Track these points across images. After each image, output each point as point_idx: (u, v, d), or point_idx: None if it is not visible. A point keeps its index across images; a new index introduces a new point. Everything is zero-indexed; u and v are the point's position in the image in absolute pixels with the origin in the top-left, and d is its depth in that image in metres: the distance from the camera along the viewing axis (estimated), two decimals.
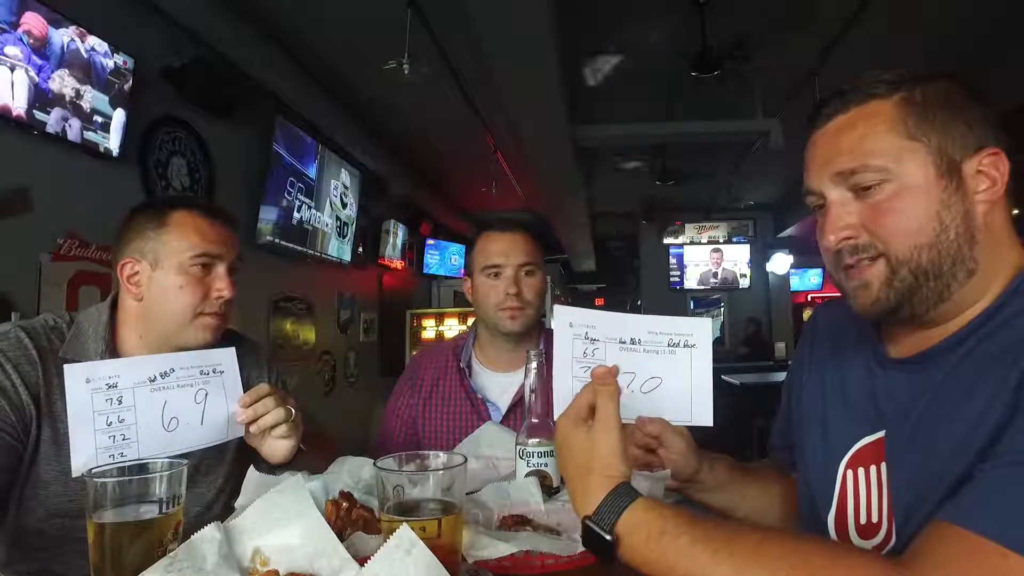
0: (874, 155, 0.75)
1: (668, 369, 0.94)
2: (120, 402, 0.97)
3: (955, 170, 0.74)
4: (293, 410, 1.12)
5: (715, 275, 8.90)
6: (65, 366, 0.96)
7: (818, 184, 0.80)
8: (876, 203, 0.76)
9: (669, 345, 0.95)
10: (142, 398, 0.99)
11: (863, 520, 0.82)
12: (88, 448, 0.93)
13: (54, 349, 1.17)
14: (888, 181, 0.75)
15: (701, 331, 0.96)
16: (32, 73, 2.30)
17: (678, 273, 8.93)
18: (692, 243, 9.05)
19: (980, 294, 0.76)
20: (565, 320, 0.93)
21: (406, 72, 3.11)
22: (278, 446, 1.11)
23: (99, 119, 2.60)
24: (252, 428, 1.09)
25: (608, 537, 0.70)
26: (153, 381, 1.01)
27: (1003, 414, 0.66)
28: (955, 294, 0.76)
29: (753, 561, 0.64)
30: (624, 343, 0.94)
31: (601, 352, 0.93)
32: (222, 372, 1.09)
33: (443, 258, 7.77)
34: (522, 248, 1.60)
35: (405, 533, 0.65)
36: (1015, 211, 0.80)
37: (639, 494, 0.73)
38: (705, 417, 0.94)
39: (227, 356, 1.11)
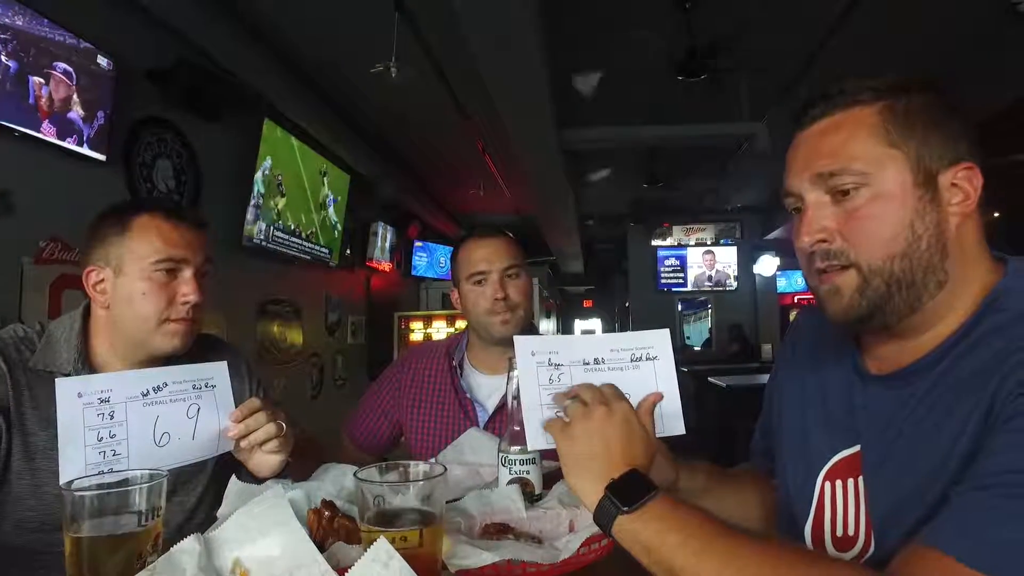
0: (855, 159, 0.76)
1: (635, 384, 0.93)
2: (112, 417, 0.95)
3: (931, 181, 0.75)
4: (284, 425, 1.11)
5: (709, 278, 8.97)
6: (57, 380, 0.93)
7: (797, 185, 0.81)
8: (853, 208, 0.77)
9: (632, 360, 0.95)
10: (134, 413, 0.97)
11: (839, 532, 0.83)
12: (77, 464, 0.91)
13: (24, 360, 1.15)
14: (866, 186, 0.75)
15: (661, 342, 0.97)
16: (12, 74, 2.27)
17: (682, 275, 8.97)
18: (680, 245, 9.10)
19: (951, 307, 0.77)
20: (527, 349, 0.93)
21: (394, 75, 3.11)
22: (266, 461, 1.10)
23: (82, 121, 2.58)
24: (243, 443, 1.07)
25: (652, 491, 0.75)
26: (146, 396, 0.99)
27: (977, 435, 0.67)
28: (926, 305, 0.76)
29: (732, 558, 0.67)
30: (588, 364, 0.94)
31: (567, 376, 0.93)
32: (214, 386, 1.07)
33: (431, 260, 7.76)
34: (504, 252, 1.61)
35: (382, 545, 0.65)
36: (996, 214, 0.81)
37: None
38: (676, 426, 0.94)
39: (219, 370, 1.09)
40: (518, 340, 0.94)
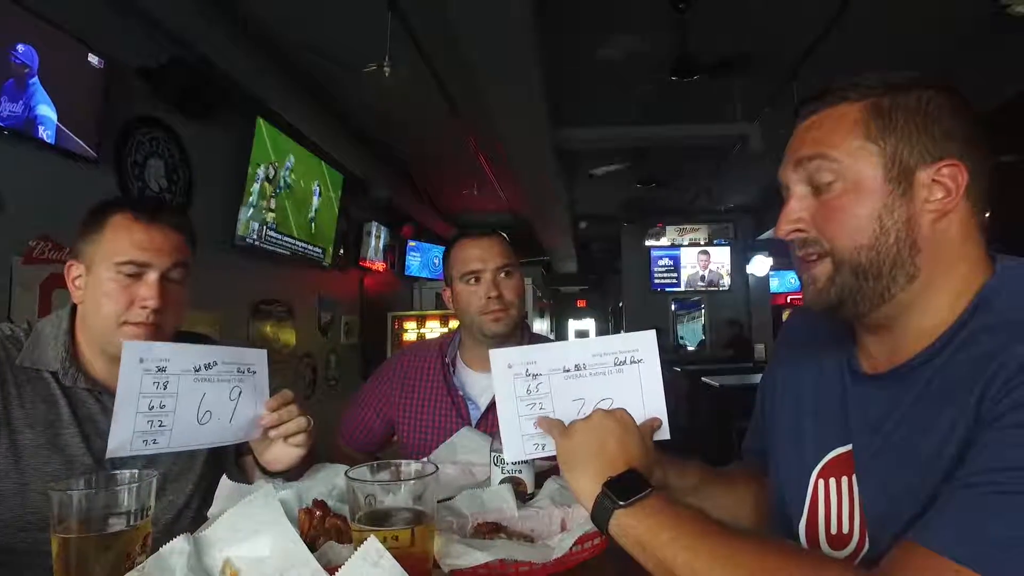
0: (832, 148, 0.79)
1: (618, 388, 0.92)
2: (165, 387, 0.96)
3: (907, 177, 0.76)
4: (311, 420, 1.12)
5: (702, 278, 8.99)
6: (124, 342, 0.95)
7: (784, 175, 0.85)
8: (827, 201, 0.79)
9: (616, 364, 0.93)
10: (185, 386, 0.98)
11: (834, 530, 0.83)
12: (126, 431, 0.92)
13: (11, 358, 1.14)
14: (840, 179, 0.78)
15: (646, 345, 0.94)
16: (2, 72, 2.25)
17: (675, 275, 8.99)
18: (674, 245, 9.13)
19: (928, 302, 0.77)
20: (503, 362, 0.92)
21: (387, 74, 3.10)
22: (287, 453, 1.11)
23: (73, 119, 2.56)
24: (272, 433, 1.09)
25: (648, 489, 0.78)
26: (197, 371, 1.00)
27: (967, 433, 0.67)
28: (897, 296, 0.78)
29: (724, 554, 0.69)
30: (568, 371, 0.93)
31: (545, 385, 0.92)
32: (255, 372, 1.09)
33: (425, 260, 7.75)
34: (498, 251, 1.62)
35: (372, 545, 0.65)
36: (987, 214, 0.81)
37: None
38: (661, 432, 0.93)
39: (260, 358, 1.11)
40: (493, 354, 0.94)
